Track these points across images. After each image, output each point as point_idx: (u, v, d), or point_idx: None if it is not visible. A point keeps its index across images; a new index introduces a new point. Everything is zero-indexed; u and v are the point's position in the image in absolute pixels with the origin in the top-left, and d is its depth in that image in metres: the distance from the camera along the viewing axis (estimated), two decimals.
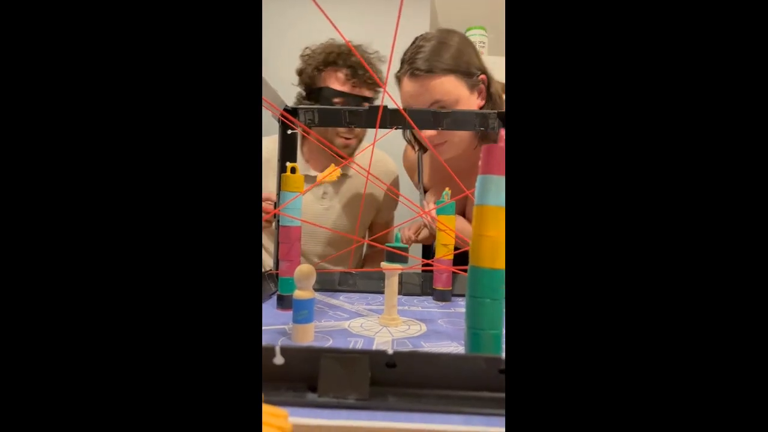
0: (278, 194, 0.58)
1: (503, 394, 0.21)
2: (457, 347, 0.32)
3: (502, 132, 0.25)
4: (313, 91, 0.89)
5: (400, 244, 0.38)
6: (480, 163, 0.24)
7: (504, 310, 0.24)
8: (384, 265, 0.38)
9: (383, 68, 0.93)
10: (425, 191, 0.92)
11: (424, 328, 0.37)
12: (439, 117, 0.55)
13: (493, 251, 0.23)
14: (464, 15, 1.79)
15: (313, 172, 0.94)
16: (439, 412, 0.20)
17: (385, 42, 1.46)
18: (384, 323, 0.37)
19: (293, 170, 0.43)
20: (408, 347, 0.31)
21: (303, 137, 0.95)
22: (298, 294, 0.32)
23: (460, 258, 0.42)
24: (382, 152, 1.07)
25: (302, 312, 0.32)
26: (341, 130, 0.89)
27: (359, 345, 0.32)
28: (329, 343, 0.32)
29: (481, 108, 0.74)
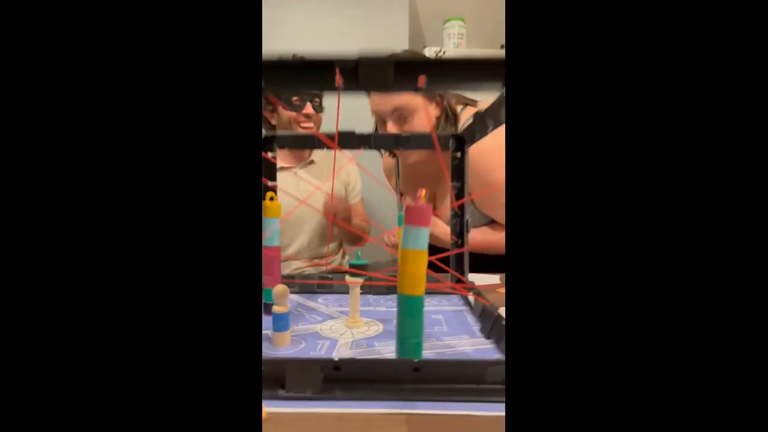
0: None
1: (414, 385, 0.29)
2: None
3: (421, 192, 0.33)
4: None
5: (360, 261, 0.46)
6: (404, 216, 0.32)
7: (423, 326, 0.33)
8: (348, 278, 0.46)
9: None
10: (401, 195, 1.01)
11: (381, 328, 0.46)
12: (401, 140, 0.62)
13: (414, 282, 0.32)
14: (443, 6, 1.83)
15: (279, 163, 1.10)
16: (369, 399, 0.29)
17: (367, 35, 1.49)
18: (348, 326, 0.46)
19: (272, 198, 0.50)
20: (362, 347, 0.40)
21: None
22: (276, 309, 0.40)
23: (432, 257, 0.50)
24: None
25: (280, 323, 0.40)
26: (300, 119, 1.06)
27: (325, 347, 0.40)
28: (301, 346, 0.40)
29: (437, 118, 0.82)
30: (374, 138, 0.62)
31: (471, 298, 0.53)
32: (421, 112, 0.80)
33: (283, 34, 1.71)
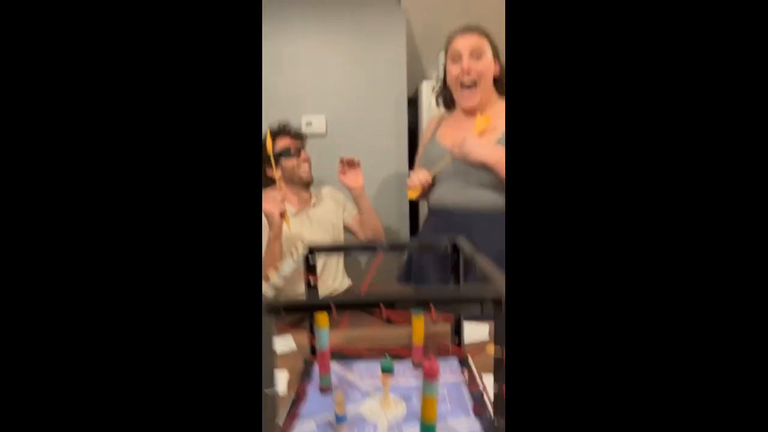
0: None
1: None
2: None
3: (432, 358, 0.52)
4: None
5: (388, 365, 0.66)
6: (423, 373, 0.51)
7: None
8: (381, 375, 0.66)
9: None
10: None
11: (405, 409, 0.66)
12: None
13: (429, 418, 0.52)
14: (438, 37, 1.94)
15: (292, 209, 1.34)
16: None
17: (366, 68, 1.70)
18: (383, 408, 0.66)
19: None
20: None
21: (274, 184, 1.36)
22: (338, 410, 0.60)
23: None
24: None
25: (341, 420, 0.60)
26: (292, 163, 1.40)
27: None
28: None
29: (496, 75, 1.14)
30: None
31: (465, 375, 0.74)
32: (489, 54, 1.08)
33: (285, 68, 1.84)
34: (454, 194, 1.12)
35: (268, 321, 0.44)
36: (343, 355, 0.82)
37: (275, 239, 1.15)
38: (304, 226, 1.37)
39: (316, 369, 0.73)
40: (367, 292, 0.46)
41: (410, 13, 1.87)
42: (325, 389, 0.70)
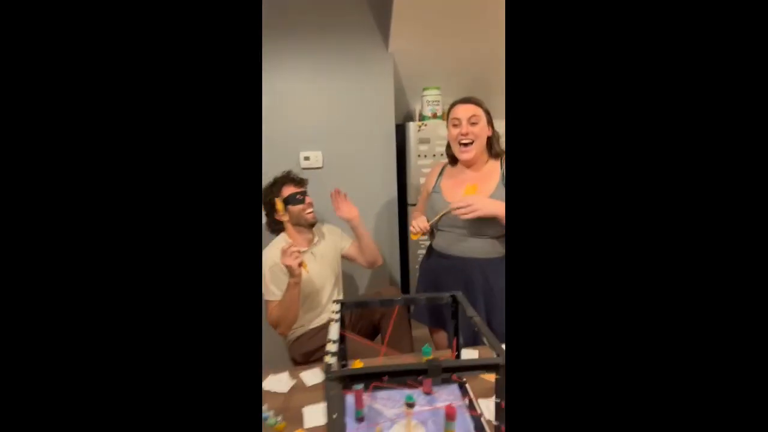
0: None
1: None
2: None
3: (451, 412, 0.73)
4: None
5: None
6: (446, 413, 0.73)
7: None
8: (405, 407, 0.87)
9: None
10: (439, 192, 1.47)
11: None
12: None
13: None
14: (421, 75, 2.15)
15: (303, 248, 1.53)
16: None
17: (358, 102, 1.91)
18: None
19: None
20: None
21: (278, 231, 1.58)
22: None
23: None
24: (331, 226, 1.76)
25: None
26: (306, 209, 1.58)
27: None
28: None
29: (489, 135, 1.37)
30: None
31: (465, 400, 0.95)
32: (483, 121, 1.33)
33: (285, 109, 2.00)
34: (452, 243, 1.38)
35: (332, 387, 0.65)
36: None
37: (295, 285, 1.35)
38: (310, 263, 1.56)
39: (350, 401, 0.93)
40: (407, 363, 0.67)
41: (396, 58, 2.06)
42: (360, 419, 0.91)
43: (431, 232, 1.44)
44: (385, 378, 0.64)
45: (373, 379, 0.67)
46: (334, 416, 0.66)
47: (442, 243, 1.42)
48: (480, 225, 1.30)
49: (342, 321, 0.95)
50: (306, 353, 1.51)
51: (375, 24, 2.00)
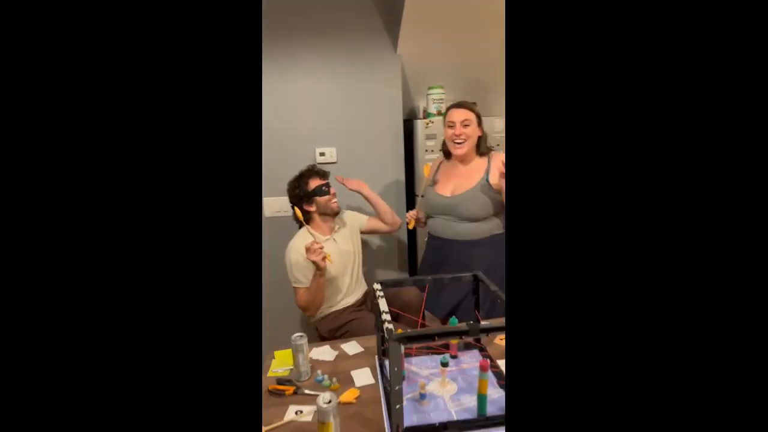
0: None
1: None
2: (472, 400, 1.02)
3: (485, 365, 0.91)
4: (306, 193, 1.70)
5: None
6: (480, 365, 0.92)
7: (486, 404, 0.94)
8: (440, 367, 1.06)
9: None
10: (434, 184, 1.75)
11: (455, 387, 1.06)
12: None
13: (482, 389, 0.92)
14: (426, 74, 2.30)
15: (321, 237, 1.75)
16: None
17: (367, 101, 2.12)
18: (442, 386, 1.06)
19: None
20: (457, 401, 1.01)
21: (306, 221, 1.74)
22: (421, 390, 1.00)
23: None
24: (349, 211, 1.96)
25: (424, 396, 1.00)
26: (331, 199, 1.78)
27: (440, 404, 1.01)
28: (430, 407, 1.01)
29: (480, 135, 1.64)
30: None
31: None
32: (474, 123, 1.59)
33: (300, 109, 2.15)
34: (443, 227, 1.67)
35: (395, 347, 0.83)
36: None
37: (321, 276, 1.57)
38: (332, 248, 1.74)
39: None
40: (445, 327, 0.86)
41: (404, 59, 2.21)
42: (402, 378, 1.09)
43: (424, 221, 1.75)
44: (436, 338, 0.82)
45: (427, 339, 0.85)
46: (396, 369, 0.84)
47: (432, 226, 1.71)
48: (460, 211, 1.58)
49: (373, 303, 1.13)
50: (332, 329, 1.70)
51: (384, 28, 2.14)
